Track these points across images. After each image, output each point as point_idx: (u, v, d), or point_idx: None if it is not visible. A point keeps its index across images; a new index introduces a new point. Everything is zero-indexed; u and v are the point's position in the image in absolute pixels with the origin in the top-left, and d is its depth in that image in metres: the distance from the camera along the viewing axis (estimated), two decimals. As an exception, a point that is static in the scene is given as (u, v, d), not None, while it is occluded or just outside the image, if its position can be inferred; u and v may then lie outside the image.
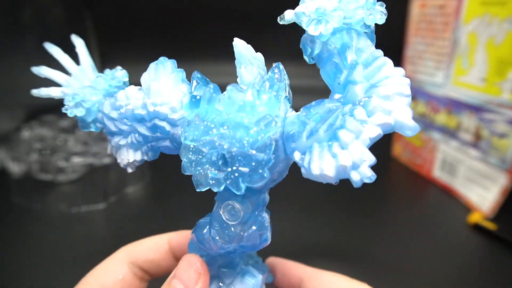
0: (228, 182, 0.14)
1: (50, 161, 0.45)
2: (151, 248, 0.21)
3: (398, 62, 0.54)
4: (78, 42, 0.19)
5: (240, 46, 0.16)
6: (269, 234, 0.16)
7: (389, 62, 0.14)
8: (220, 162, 0.14)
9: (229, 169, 0.14)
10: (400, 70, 0.14)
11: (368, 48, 0.14)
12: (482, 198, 0.43)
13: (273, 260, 0.22)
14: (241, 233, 0.15)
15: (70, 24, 0.75)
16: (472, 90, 0.43)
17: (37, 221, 0.41)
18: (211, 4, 0.81)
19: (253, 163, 0.14)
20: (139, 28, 0.83)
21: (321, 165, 0.13)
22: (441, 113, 0.48)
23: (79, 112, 0.18)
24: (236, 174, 0.14)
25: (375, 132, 0.13)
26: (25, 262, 0.35)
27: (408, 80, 0.14)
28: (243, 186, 0.14)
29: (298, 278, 0.20)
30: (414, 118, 0.13)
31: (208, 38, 0.77)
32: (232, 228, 0.15)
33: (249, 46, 0.16)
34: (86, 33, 0.80)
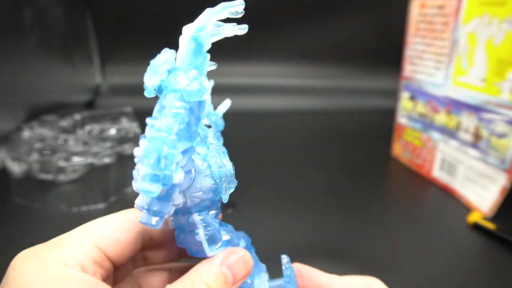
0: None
1: (50, 161, 0.45)
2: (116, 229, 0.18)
3: (398, 62, 0.55)
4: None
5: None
6: (204, 250, 0.18)
7: (155, 122, 0.15)
8: None
9: None
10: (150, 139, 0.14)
11: (168, 106, 0.15)
12: (482, 198, 0.43)
13: (299, 266, 0.23)
14: (182, 237, 0.19)
15: (70, 24, 0.74)
16: (471, 90, 0.43)
17: (37, 221, 0.41)
18: (211, 4, 0.81)
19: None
20: (139, 28, 0.83)
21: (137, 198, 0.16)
22: (440, 113, 0.48)
23: None
24: None
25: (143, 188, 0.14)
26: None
27: (142, 151, 0.14)
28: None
29: (326, 284, 0.22)
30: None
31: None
32: (180, 234, 0.19)
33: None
34: (86, 33, 0.80)
